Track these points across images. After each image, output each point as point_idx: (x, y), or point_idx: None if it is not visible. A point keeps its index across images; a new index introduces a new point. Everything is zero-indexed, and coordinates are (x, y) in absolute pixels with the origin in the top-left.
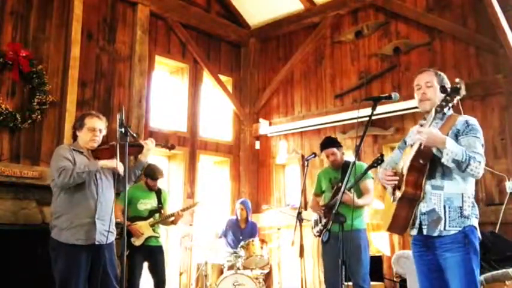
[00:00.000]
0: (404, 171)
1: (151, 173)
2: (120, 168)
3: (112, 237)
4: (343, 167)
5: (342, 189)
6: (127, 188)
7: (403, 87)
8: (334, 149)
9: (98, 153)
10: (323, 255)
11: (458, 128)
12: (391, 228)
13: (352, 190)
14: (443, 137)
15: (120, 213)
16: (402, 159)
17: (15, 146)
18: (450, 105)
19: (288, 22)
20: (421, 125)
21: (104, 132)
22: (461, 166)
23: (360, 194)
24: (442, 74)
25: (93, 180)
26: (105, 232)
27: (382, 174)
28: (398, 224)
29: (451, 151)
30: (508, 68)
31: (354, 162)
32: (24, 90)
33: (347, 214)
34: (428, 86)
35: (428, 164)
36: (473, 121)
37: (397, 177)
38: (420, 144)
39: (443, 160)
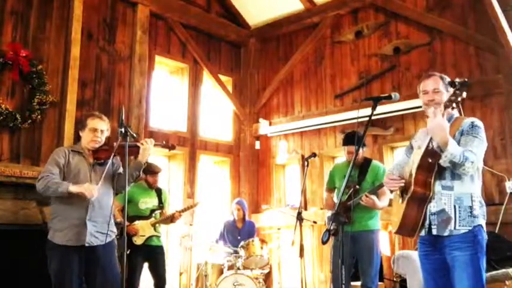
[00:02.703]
0: (413, 171)
1: (149, 169)
2: (89, 194)
3: (110, 238)
4: (361, 166)
5: (342, 189)
6: (127, 190)
7: (403, 87)
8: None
9: (97, 153)
10: (332, 254)
11: (463, 129)
12: (401, 230)
13: (376, 192)
14: (448, 136)
15: (118, 213)
16: (411, 160)
17: (15, 146)
18: (459, 99)
19: (288, 22)
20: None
21: (107, 133)
22: (456, 166)
23: (376, 196)
24: (445, 76)
25: (86, 181)
26: (97, 234)
27: (386, 178)
28: (408, 225)
29: (450, 153)
30: (508, 68)
31: (354, 162)
32: (24, 90)
33: (362, 215)
34: (436, 91)
35: (436, 163)
36: (479, 122)
37: (402, 180)
38: (428, 143)
39: (440, 161)
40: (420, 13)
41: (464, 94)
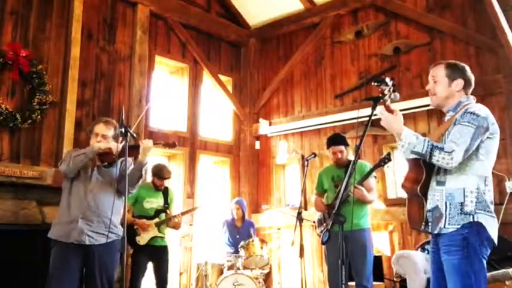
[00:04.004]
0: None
1: (159, 172)
2: (115, 149)
3: (109, 239)
4: (347, 166)
5: (342, 188)
6: (127, 189)
7: (403, 87)
8: (343, 147)
9: (103, 156)
10: (327, 255)
11: (457, 118)
12: (411, 224)
13: (363, 184)
14: (400, 127)
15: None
16: None
17: (15, 146)
18: (386, 97)
19: (288, 22)
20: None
21: (111, 138)
22: (425, 157)
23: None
24: (457, 65)
25: (86, 180)
26: (92, 233)
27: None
28: (414, 220)
29: (407, 142)
30: (508, 68)
31: (355, 161)
32: (24, 90)
33: (350, 214)
34: (434, 80)
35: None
36: (474, 109)
37: None
38: None
39: (400, 152)
40: (420, 13)
41: (386, 91)
